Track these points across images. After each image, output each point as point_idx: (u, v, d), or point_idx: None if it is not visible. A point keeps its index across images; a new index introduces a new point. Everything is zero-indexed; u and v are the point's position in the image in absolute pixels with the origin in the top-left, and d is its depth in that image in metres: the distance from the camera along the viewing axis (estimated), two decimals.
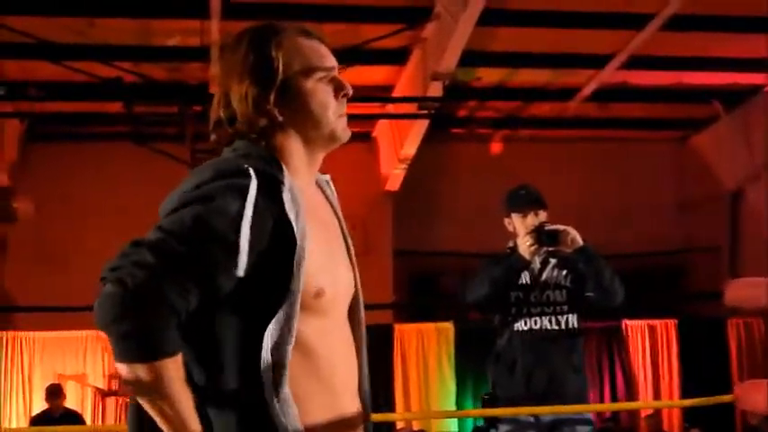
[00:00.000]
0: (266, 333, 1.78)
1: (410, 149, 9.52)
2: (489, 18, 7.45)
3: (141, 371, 1.66)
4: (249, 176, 1.78)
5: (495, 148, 10.85)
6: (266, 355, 1.78)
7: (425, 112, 8.77)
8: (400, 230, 10.46)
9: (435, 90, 8.49)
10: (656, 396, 9.80)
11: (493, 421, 4.85)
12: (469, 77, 9.00)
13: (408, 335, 9.62)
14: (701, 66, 9.00)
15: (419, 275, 10.90)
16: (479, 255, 9.70)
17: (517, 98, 9.82)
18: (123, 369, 1.68)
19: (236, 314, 1.80)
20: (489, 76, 9.18)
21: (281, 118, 1.91)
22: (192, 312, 1.72)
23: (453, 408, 9.34)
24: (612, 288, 4.54)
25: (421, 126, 9.15)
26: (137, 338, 1.65)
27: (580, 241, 4.51)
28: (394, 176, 10.17)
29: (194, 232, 1.72)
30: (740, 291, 5.31)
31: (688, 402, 7.05)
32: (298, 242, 1.80)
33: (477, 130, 10.65)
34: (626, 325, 9.93)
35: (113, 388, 9.23)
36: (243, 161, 1.83)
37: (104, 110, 9.09)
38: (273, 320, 1.79)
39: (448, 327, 9.70)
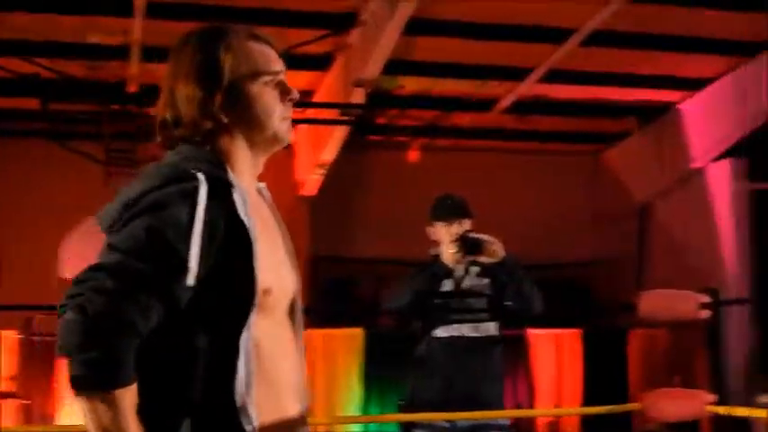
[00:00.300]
0: (241, 339, 1.77)
1: (329, 155, 9.52)
2: (415, 27, 7.50)
3: (100, 400, 1.64)
4: (198, 181, 1.77)
5: (413, 156, 10.92)
6: (242, 361, 1.77)
7: (346, 118, 8.79)
8: (317, 236, 10.43)
9: (357, 97, 8.51)
10: (560, 404, 9.97)
11: (408, 427, 4.89)
12: (392, 86, 9.04)
13: (316, 340, 9.58)
14: (618, 82, 9.20)
15: (335, 281, 10.89)
16: (395, 262, 9.79)
17: (437, 107, 9.90)
18: (82, 399, 1.65)
19: (204, 324, 1.78)
20: (412, 84, 9.24)
21: (226, 120, 1.90)
22: (155, 328, 1.70)
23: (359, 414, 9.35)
24: (532, 298, 4.65)
25: (341, 132, 9.16)
26: (98, 366, 1.63)
27: (502, 252, 4.59)
28: (311, 182, 10.16)
29: (150, 246, 1.69)
30: (655, 302, 5.45)
31: (593, 410, 7.21)
32: (253, 242, 1.80)
33: (397, 138, 10.71)
34: (531, 334, 10.09)
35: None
36: (190, 165, 1.82)
37: (21, 106, 8.89)
38: (246, 325, 1.78)
39: (357, 333, 9.70)
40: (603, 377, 9.76)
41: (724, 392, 5.60)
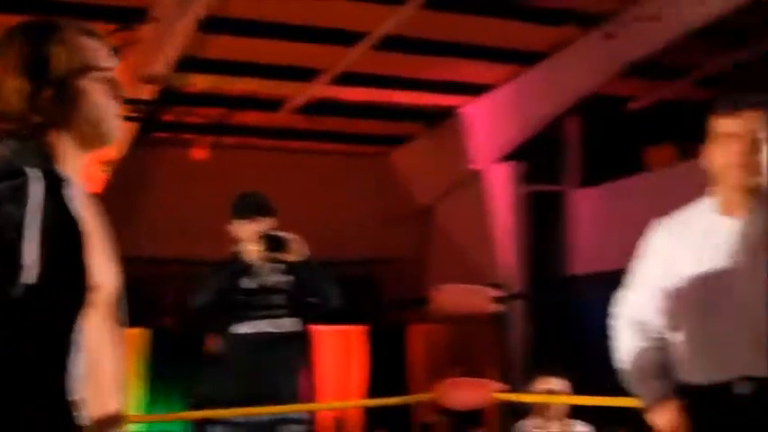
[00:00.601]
0: (73, 334, 1.77)
1: (114, 152, 9.26)
2: (207, 25, 7.43)
3: None
4: (28, 176, 1.73)
5: (199, 154, 10.79)
6: (75, 356, 1.77)
7: (134, 114, 8.59)
8: None
9: (146, 93, 8.33)
10: (345, 398, 10.16)
11: (203, 425, 4.88)
12: (183, 83, 8.89)
13: None
14: (407, 85, 9.45)
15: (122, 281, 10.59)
16: (182, 261, 9.63)
17: (227, 106, 9.83)
18: None
19: (39, 320, 1.74)
20: (203, 82, 9.12)
21: (55, 116, 1.87)
22: None
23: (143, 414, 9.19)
24: (331, 294, 4.77)
25: (128, 129, 8.92)
26: None
27: (305, 250, 4.68)
28: (95, 179, 9.84)
29: None
30: (450, 296, 5.69)
31: (381, 402, 7.45)
32: (85, 238, 1.80)
33: (185, 136, 10.55)
34: (317, 330, 10.23)
35: None
36: (19, 160, 1.77)
37: None
38: (79, 320, 1.78)
39: (142, 333, 9.54)
40: (388, 371, 10.04)
41: (510, 382, 5.93)
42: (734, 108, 2.74)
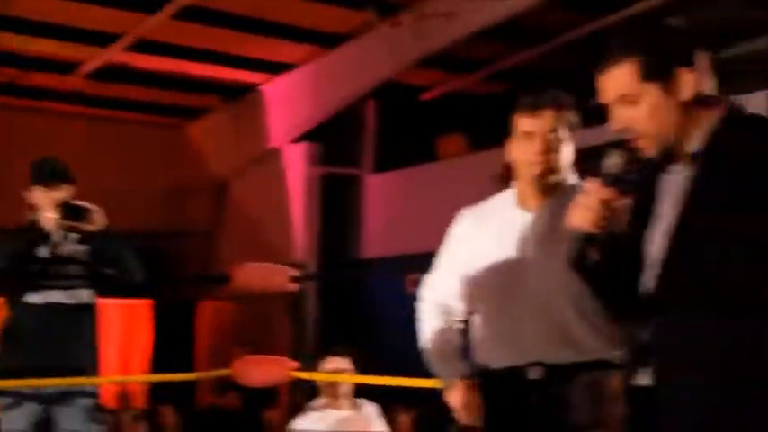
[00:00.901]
0: None
1: None
2: None
3: None
4: None
5: None
6: None
7: None
8: None
9: None
10: (128, 373, 9.96)
11: None
12: None
13: None
14: (206, 58, 9.31)
15: None
16: None
17: (19, 66, 9.36)
18: None
19: None
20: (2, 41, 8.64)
21: None
22: None
23: None
24: (132, 267, 4.68)
25: None
26: None
27: (104, 220, 4.59)
28: None
29: None
30: (250, 274, 5.68)
31: (172, 377, 7.35)
32: None
33: None
34: (101, 303, 9.95)
35: None
36: None
37: None
38: None
39: None
40: (175, 347, 9.90)
41: (303, 361, 6.02)
42: (533, 107, 2.88)
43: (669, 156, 2.11)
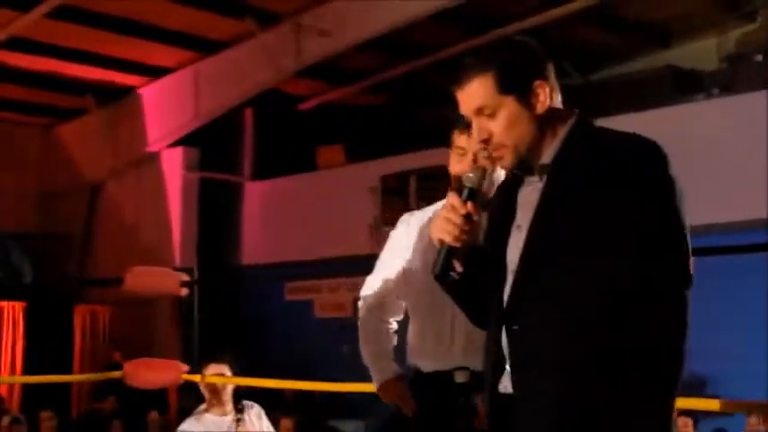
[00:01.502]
0: None
1: None
2: None
3: None
4: None
5: None
6: None
7: None
8: None
9: None
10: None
11: None
12: None
13: None
14: (80, 58, 9.12)
15: None
16: None
17: None
18: None
19: None
20: None
21: None
22: None
23: None
24: (21, 267, 4.60)
25: None
26: None
27: None
28: None
29: None
30: (141, 277, 5.60)
31: (39, 379, 7.19)
32: None
33: None
34: None
35: None
36: None
37: None
38: None
39: None
40: (51, 350, 9.67)
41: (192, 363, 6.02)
42: (465, 126, 2.98)
43: (527, 168, 2.19)
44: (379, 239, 8.62)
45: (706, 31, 8.24)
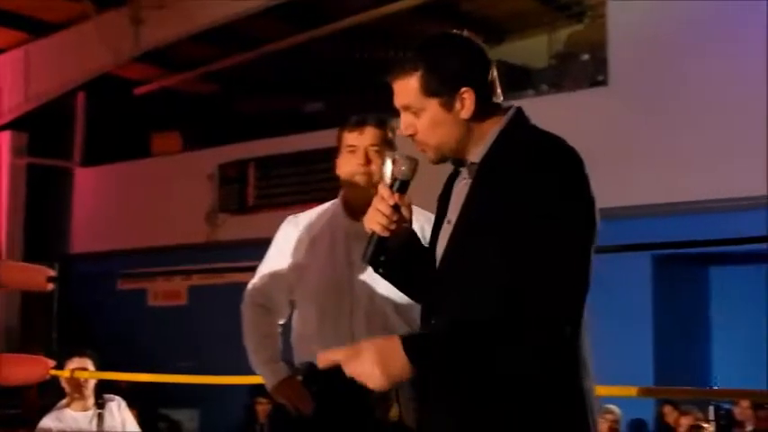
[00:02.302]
0: None
1: None
2: None
3: None
4: None
5: None
6: None
7: None
8: None
9: None
10: None
11: None
12: None
13: None
14: None
15: None
16: None
17: None
18: None
19: None
20: None
21: None
22: None
23: None
24: None
25: None
26: None
27: None
28: None
29: None
30: (12, 272, 5.40)
31: None
32: None
33: None
34: None
35: None
36: None
37: None
38: None
39: None
40: None
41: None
42: (358, 123, 3.03)
43: (461, 162, 2.20)
44: (216, 228, 8.57)
45: (537, 29, 8.55)
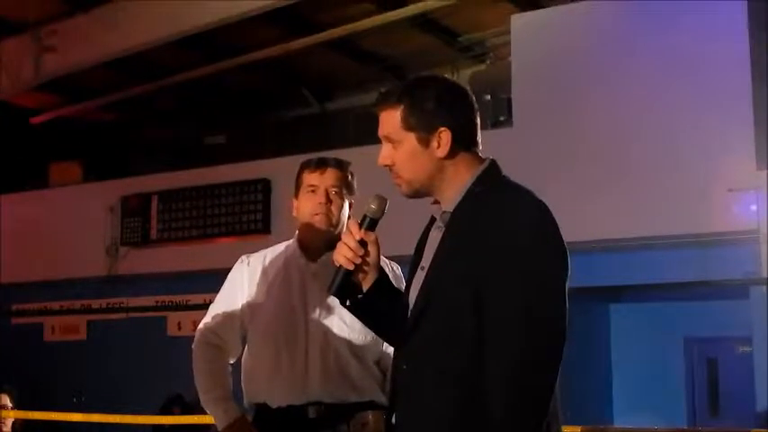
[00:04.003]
0: None
1: None
2: None
3: None
4: None
5: None
6: None
7: None
8: None
9: None
10: None
11: None
12: None
13: None
14: None
15: None
16: None
17: None
18: None
19: None
20: None
21: None
22: None
23: None
24: None
25: None
26: None
27: None
28: None
29: None
30: None
31: None
32: None
33: None
34: None
35: None
36: None
37: None
38: None
39: None
40: None
41: None
42: (318, 164, 3.07)
43: (437, 209, 2.27)
44: (116, 261, 8.41)
45: (440, 68, 8.71)
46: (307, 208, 3.12)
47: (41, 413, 5.60)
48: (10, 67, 7.86)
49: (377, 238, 2.28)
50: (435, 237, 2.25)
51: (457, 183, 2.23)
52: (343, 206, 3.14)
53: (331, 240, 3.07)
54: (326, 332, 3.07)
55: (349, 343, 3.06)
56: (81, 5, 7.51)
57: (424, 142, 2.22)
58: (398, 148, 2.25)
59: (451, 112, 2.23)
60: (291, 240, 3.24)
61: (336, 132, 8.42)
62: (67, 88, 9.09)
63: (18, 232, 8.96)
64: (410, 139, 2.23)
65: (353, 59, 8.77)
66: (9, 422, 5.26)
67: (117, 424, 5.91)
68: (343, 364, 3.06)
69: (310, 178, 3.12)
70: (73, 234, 8.61)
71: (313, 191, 3.11)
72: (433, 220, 2.33)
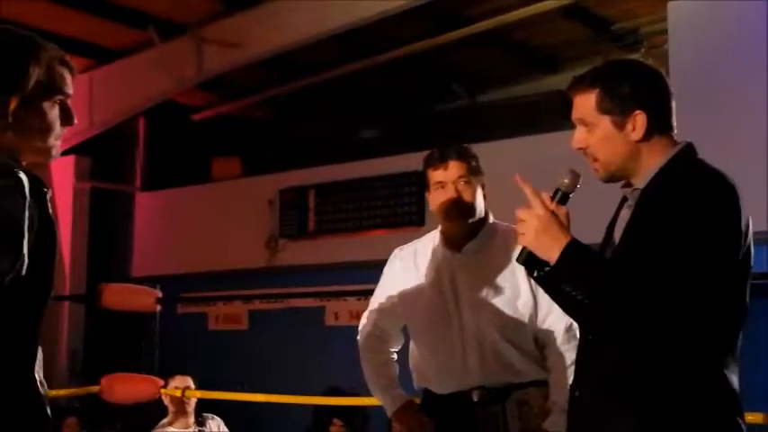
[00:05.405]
0: (37, 325, 1.98)
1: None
2: None
3: None
4: (19, 176, 1.87)
5: None
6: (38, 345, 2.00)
7: None
8: None
9: None
10: None
11: None
12: None
13: None
14: None
15: None
16: None
17: None
18: None
19: (18, 309, 1.91)
20: None
21: (15, 124, 2.02)
22: None
23: None
24: None
25: None
26: None
27: None
28: None
29: None
30: (118, 294, 5.61)
31: None
32: (57, 242, 2.03)
33: None
34: None
35: None
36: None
37: None
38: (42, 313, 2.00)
39: None
40: None
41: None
42: (440, 160, 3.14)
43: (621, 180, 2.33)
44: (275, 253, 8.65)
45: (593, 58, 8.57)
46: (438, 204, 3.15)
47: (224, 393, 5.76)
48: (173, 66, 8.17)
49: (568, 213, 2.31)
50: (625, 215, 2.27)
51: (651, 165, 2.24)
52: (475, 192, 3.14)
53: (471, 229, 3.10)
54: (479, 321, 3.12)
55: (502, 329, 3.10)
56: (237, 6, 7.74)
57: (619, 125, 2.24)
58: (593, 131, 2.27)
59: (646, 95, 2.26)
60: (436, 231, 3.29)
61: (488, 124, 8.40)
62: (225, 86, 9.39)
63: (183, 225, 9.33)
64: (605, 123, 2.26)
65: (502, 52, 8.73)
66: (193, 402, 5.48)
67: (280, 408, 6.05)
68: (499, 350, 3.11)
69: (435, 175, 3.15)
70: (234, 227, 8.90)
71: (442, 187, 3.13)
72: (624, 200, 2.34)
